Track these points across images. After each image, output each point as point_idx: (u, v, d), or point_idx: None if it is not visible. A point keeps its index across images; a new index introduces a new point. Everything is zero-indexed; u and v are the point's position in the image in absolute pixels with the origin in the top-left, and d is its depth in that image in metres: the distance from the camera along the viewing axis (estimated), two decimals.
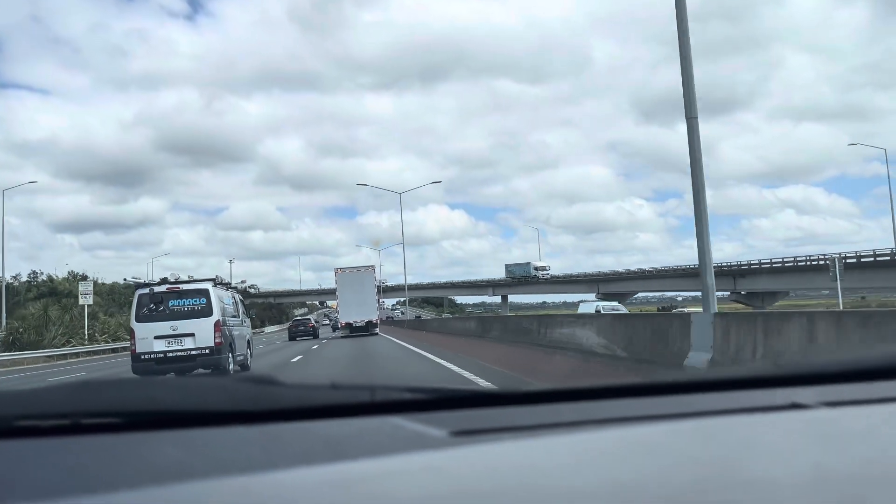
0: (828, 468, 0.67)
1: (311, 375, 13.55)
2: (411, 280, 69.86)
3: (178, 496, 0.61)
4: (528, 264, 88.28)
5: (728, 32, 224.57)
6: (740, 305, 60.49)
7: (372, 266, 40.78)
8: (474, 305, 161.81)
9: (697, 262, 10.27)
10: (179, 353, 12.61)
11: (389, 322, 60.36)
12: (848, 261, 53.16)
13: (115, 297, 77.99)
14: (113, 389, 0.89)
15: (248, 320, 16.66)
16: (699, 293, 10.67)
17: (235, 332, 14.09)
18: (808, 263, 55.20)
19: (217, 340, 12.73)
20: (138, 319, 12.90)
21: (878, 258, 49.23)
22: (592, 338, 12.41)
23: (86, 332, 39.85)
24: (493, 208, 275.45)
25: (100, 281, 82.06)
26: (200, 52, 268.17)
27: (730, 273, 63.15)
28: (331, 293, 69.22)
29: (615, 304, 44.88)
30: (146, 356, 12.61)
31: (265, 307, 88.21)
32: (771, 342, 7.09)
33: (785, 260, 58.90)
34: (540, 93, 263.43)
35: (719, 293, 36.34)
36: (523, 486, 0.63)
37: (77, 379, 1.02)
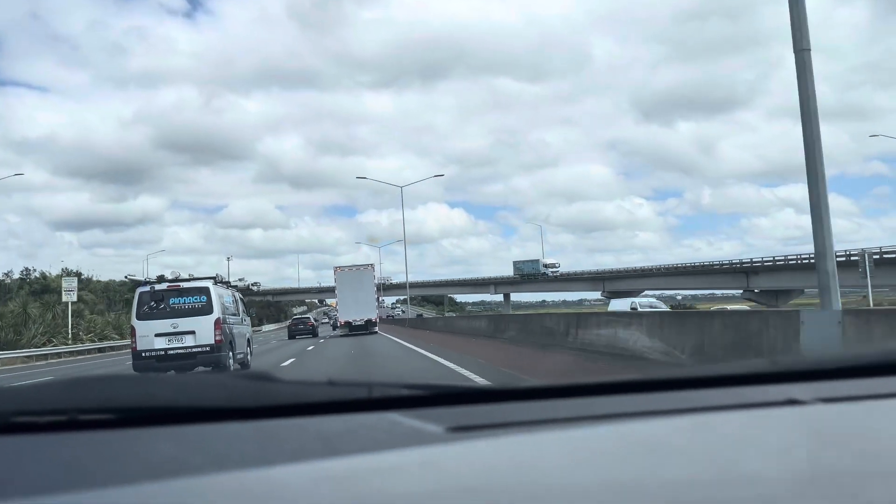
0: (824, 464, 0.67)
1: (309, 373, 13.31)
2: (412, 279, 67.96)
3: (174, 492, 0.61)
4: (537, 261, 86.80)
5: (728, 31, 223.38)
6: (753, 304, 58.36)
7: (371, 264, 40.37)
8: (474, 304, 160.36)
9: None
10: (180, 351, 12.64)
11: (390, 321, 58.96)
12: (852, 258, 51.30)
13: (109, 294, 76.59)
14: (109, 385, 0.88)
15: (248, 319, 16.67)
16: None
17: (235, 330, 14.10)
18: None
19: (217, 338, 12.74)
20: (139, 317, 12.88)
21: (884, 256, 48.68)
22: (642, 340, 10.25)
23: (69, 331, 37.75)
24: (492, 207, 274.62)
25: (95, 278, 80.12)
26: (199, 49, 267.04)
27: (742, 271, 61.17)
28: (330, 291, 69.09)
29: (652, 300, 38.45)
30: (147, 353, 12.62)
31: (263, 305, 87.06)
32: None
33: (801, 257, 56.55)
34: (540, 91, 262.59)
35: (730, 291, 34.14)
36: (520, 482, 0.63)
37: (73, 375, 1.03)
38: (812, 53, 8.10)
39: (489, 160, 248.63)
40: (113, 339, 41.65)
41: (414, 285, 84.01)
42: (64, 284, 39.25)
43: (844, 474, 0.64)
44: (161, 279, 14.27)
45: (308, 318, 48.42)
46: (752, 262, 61.63)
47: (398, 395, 0.91)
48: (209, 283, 13.37)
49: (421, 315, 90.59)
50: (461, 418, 0.82)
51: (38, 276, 77.38)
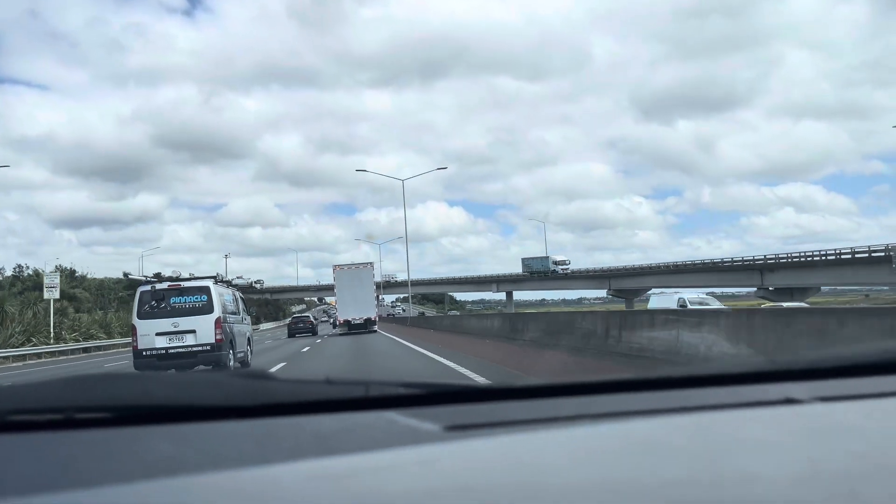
0: (821, 463, 0.67)
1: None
2: (413, 277, 65.94)
3: (171, 490, 0.61)
4: (546, 258, 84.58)
5: (728, 29, 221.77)
6: (768, 302, 56.25)
7: (371, 263, 40.07)
8: (473, 302, 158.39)
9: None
10: (181, 350, 12.71)
11: (390, 320, 57.61)
12: (858, 255, 49.44)
13: (104, 292, 74.87)
14: (106, 384, 0.88)
15: (248, 317, 16.73)
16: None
17: (236, 329, 14.17)
18: (854, 256, 50.41)
19: (218, 337, 12.82)
20: (140, 316, 12.96)
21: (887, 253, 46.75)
22: (720, 345, 8.14)
23: (51, 330, 35.40)
24: (492, 205, 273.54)
25: (89, 276, 78.38)
26: (199, 47, 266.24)
27: (756, 268, 58.91)
28: (328, 289, 68.49)
29: (701, 295, 32.16)
30: (148, 352, 12.70)
31: (261, 303, 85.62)
32: None
33: (825, 253, 54.21)
34: (539, 90, 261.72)
35: (744, 289, 31.69)
36: (517, 481, 0.63)
37: (71, 374, 1.02)
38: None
39: (488, 159, 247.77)
40: (99, 338, 39.46)
41: (415, 283, 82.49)
42: (45, 281, 36.89)
43: (842, 473, 0.64)
44: (158, 277, 14.36)
45: (308, 316, 47.97)
46: (765, 258, 59.35)
47: (395, 394, 0.90)
48: (210, 283, 13.44)
49: (423, 313, 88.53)
50: (458, 417, 0.82)
51: (30, 273, 75.57)
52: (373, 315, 36.79)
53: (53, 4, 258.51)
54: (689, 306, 24.45)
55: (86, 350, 35.70)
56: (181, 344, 12.76)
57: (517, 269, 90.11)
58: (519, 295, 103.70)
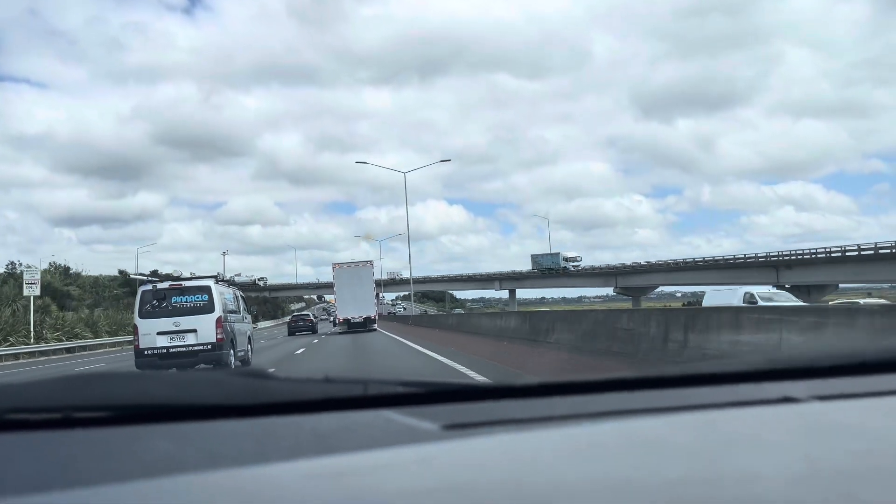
0: (819, 461, 0.67)
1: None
2: (413, 275, 63.95)
3: (169, 489, 0.61)
4: (557, 255, 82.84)
5: (728, 27, 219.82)
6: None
7: (370, 261, 39.83)
8: (474, 300, 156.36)
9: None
10: (182, 349, 12.79)
11: (391, 318, 55.97)
12: (864, 252, 47.61)
13: (98, 289, 72.72)
14: (104, 383, 0.88)
15: (248, 316, 16.86)
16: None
17: (236, 328, 14.26)
18: (877, 252, 48.43)
19: (219, 336, 12.89)
20: (141, 315, 13.03)
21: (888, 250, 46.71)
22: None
23: (31, 329, 33.33)
24: (491, 204, 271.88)
25: (84, 273, 76.63)
26: (198, 45, 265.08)
27: (772, 264, 56.85)
28: (328, 287, 67.16)
29: (772, 289, 28.63)
30: (149, 351, 12.78)
31: (259, 301, 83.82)
32: None
33: (842, 248, 52.22)
34: (539, 88, 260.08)
35: (760, 288, 29.30)
36: (515, 480, 0.63)
37: (69, 372, 1.00)
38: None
39: (488, 157, 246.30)
40: (84, 337, 37.30)
41: (417, 280, 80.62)
42: (25, 277, 34.82)
43: (840, 472, 0.64)
44: (155, 274, 14.38)
45: (308, 314, 47.34)
46: (780, 255, 57.32)
47: (394, 393, 0.90)
48: (210, 282, 13.48)
49: (426, 311, 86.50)
50: (457, 416, 0.82)
51: (24, 270, 73.79)
52: (372, 314, 36.66)
53: (53, 3, 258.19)
54: (761, 303, 21.56)
55: (69, 350, 33.49)
56: (182, 343, 12.84)
57: (519, 266, 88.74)
58: (520, 293, 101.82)
